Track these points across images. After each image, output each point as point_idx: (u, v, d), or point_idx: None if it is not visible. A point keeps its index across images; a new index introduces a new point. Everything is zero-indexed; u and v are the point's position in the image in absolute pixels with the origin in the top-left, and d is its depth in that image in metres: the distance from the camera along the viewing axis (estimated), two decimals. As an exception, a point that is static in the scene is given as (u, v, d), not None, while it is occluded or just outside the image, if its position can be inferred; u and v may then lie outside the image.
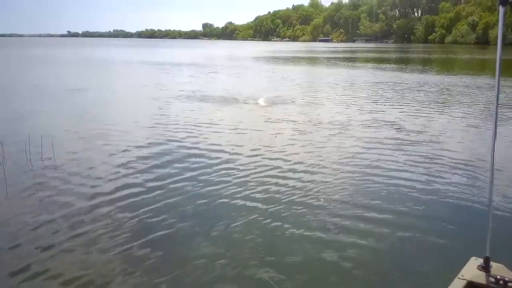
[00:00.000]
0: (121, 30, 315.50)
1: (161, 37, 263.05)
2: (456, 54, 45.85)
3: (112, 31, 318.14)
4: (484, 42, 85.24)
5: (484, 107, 10.82)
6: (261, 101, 11.30)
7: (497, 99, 2.39)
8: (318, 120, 9.01)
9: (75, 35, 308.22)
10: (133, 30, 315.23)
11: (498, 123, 2.26)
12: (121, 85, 16.67)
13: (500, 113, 9.25)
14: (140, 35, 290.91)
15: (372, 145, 6.90)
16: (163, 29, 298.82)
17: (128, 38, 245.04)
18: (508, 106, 10.78)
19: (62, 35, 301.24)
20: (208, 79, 18.63)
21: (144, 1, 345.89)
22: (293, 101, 11.67)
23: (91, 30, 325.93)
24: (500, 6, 2.45)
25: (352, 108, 10.66)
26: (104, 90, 14.57)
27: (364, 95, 13.35)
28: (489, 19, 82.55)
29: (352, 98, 12.50)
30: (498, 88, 2.38)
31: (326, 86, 15.91)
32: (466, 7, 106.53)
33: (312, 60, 35.79)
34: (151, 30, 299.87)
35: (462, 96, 13.00)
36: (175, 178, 5.25)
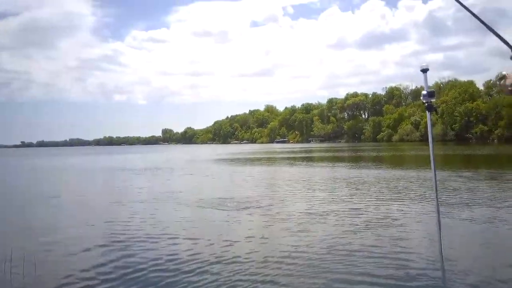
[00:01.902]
0: (77, 139, 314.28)
1: (119, 144, 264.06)
2: (403, 151, 48.52)
3: (68, 140, 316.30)
4: (427, 139, 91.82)
5: (430, 195, 11.40)
6: (229, 201, 10.89)
7: (436, 189, 3.01)
8: (285, 211, 9.23)
9: (30, 145, 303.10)
10: (90, 138, 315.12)
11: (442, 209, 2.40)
12: (91, 190, 15.76)
13: (444, 200, 10.30)
14: (98, 142, 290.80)
15: (336, 231, 7.31)
16: (121, 135, 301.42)
17: (86, 146, 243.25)
18: (449, 191, 11.90)
19: (16, 146, 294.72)
20: (173, 182, 17.87)
21: (100, 108, 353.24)
22: (258, 199, 11.10)
23: (46, 139, 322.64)
24: (427, 112, 3.20)
25: (314, 201, 10.99)
26: (76, 196, 13.82)
27: (324, 189, 13.81)
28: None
29: (314, 192, 12.94)
30: (436, 178, 3.03)
31: (289, 182, 15.70)
32: (407, 108, 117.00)
33: (272, 160, 36.25)
34: (109, 137, 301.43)
35: (410, 187, 13.77)
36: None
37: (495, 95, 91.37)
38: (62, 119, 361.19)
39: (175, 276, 5.11)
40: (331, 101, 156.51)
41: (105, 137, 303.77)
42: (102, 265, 5.64)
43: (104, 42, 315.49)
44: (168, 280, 4.98)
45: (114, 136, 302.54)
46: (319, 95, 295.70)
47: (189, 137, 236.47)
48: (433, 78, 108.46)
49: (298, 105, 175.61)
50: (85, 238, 7.21)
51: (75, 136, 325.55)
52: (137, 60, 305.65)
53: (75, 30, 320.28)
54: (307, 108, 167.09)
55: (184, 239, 7.05)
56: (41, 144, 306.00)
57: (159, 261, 5.73)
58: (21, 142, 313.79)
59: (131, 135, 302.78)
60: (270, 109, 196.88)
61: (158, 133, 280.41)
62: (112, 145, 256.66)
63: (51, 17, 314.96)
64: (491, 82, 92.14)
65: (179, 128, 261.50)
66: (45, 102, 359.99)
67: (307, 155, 45.88)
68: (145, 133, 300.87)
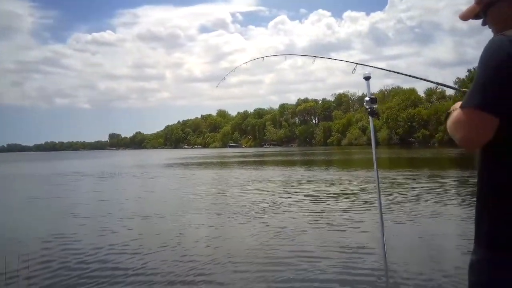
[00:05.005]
0: (15, 144, 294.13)
1: (62, 149, 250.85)
2: (351, 154, 50.18)
3: (5, 146, 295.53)
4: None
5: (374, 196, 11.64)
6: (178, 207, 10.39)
7: (379, 192, 3.56)
8: (238, 210, 8.99)
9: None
10: (30, 143, 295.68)
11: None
12: (37, 198, 14.23)
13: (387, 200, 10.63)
14: (39, 148, 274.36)
15: (287, 230, 7.55)
16: (64, 141, 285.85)
17: (26, 152, 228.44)
18: (393, 189, 12.19)
19: None
20: (120, 190, 16.89)
21: (40, 113, 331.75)
22: (207, 207, 10.68)
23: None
24: (369, 117, 3.46)
25: (267, 199, 11.13)
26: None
27: (278, 190, 13.93)
28: (375, 124, 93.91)
29: (267, 192, 12.96)
30: (378, 180, 3.54)
31: (238, 186, 15.37)
32: (355, 114, 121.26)
33: (225, 164, 35.96)
34: (51, 142, 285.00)
35: (357, 187, 14.40)
36: None
37: (435, 101, 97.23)
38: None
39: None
40: (283, 107, 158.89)
41: (46, 142, 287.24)
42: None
43: (44, 44, 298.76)
44: None
45: (57, 141, 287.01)
46: (270, 101, 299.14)
47: (138, 142, 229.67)
48: (378, 85, 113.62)
49: (251, 110, 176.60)
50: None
51: (13, 141, 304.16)
52: (80, 63, 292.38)
53: (11, 31, 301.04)
54: (260, 113, 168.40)
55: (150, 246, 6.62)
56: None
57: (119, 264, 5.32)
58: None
59: (75, 140, 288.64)
60: (222, 114, 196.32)
61: (105, 138, 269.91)
62: (55, 150, 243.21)
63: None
64: (431, 89, 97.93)
65: (127, 133, 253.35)
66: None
67: (259, 159, 45.96)
68: (90, 138, 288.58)
